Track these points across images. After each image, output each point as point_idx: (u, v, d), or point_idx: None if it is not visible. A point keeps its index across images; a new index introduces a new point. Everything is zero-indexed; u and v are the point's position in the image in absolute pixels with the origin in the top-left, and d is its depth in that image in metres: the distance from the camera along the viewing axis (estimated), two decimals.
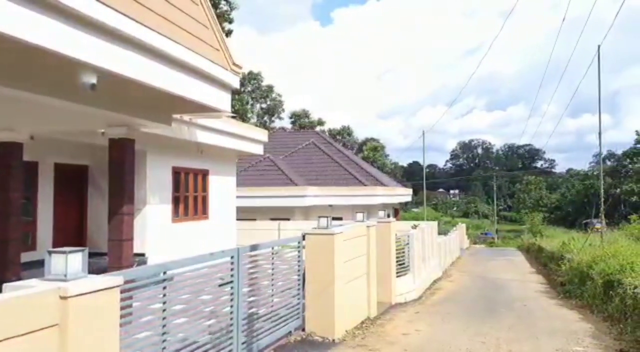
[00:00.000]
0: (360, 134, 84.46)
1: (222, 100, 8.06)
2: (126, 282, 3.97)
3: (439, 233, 22.33)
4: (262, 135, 15.67)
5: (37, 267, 8.52)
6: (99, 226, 11.06)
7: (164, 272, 4.78)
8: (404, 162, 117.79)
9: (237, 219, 15.76)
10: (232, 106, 8.84)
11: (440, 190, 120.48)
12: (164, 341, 4.63)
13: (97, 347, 3.46)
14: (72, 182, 11.16)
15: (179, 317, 5.06)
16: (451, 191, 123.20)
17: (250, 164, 25.14)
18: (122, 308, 3.80)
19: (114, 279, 3.62)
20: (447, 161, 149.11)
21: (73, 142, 10.11)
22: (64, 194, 10.86)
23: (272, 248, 7.23)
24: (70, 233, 10.97)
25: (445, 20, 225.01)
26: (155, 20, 6.02)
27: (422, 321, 9.86)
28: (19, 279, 7.02)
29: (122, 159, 8.04)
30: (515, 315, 10.89)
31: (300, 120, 61.57)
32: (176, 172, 12.20)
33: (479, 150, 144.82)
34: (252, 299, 6.53)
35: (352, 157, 33.09)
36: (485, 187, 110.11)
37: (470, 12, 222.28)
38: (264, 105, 58.05)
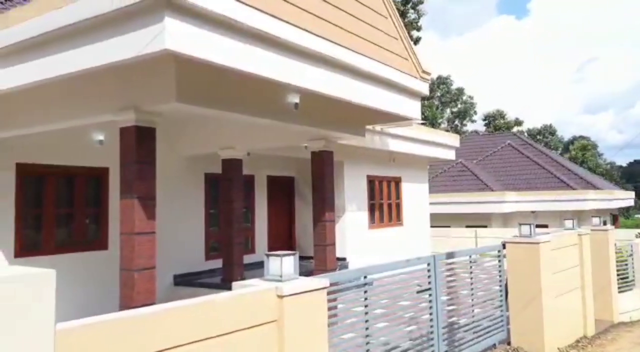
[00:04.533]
0: (564, 133, 76.38)
1: (412, 108, 8.14)
2: (331, 284, 4.25)
3: None
4: (454, 140, 15.31)
5: (255, 268, 9.70)
6: (305, 231, 12.09)
7: (365, 277, 4.98)
8: (622, 161, 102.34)
9: (431, 226, 15.61)
10: (422, 113, 8.84)
11: None
12: (367, 343, 4.82)
13: (309, 344, 3.75)
14: (281, 192, 12.43)
15: (379, 321, 5.22)
16: None
17: (442, 170, 24.71)
18: (328, 309, 4.06)
19: (322, 281, 3.91)
20: None
21: (281, 156, 11.28)
22: (275, 203, 12.16)
23: (470, 256, 6.99)
24: (281, 238, 12.21)
25: None
26: (347, 38, 6.39)
27: None
28: (243, 278, 8.07)
29: (323, 169, 8.67)
30: None
31: (495, 122, 58.32)
32: (370, 181, 12.66)
33: None
34: (451, 307, 6.40)
35: (556, 158, 30.08)
36: None
37: None
38: (454, 109, 56.57)
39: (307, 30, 5.63)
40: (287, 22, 5.34)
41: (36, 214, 8.11)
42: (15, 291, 2.29)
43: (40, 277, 2.39)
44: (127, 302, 5.28)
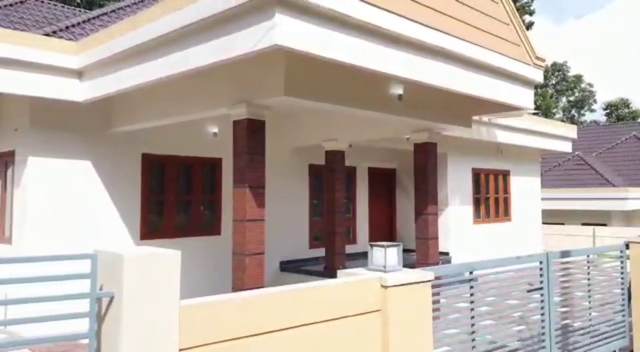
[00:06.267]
0: None
1: (524, 97, 7.70)
2: (435, 278, 4.19)
3: None
4: (570, 131, 14.24)
5: (356, 259, 9.82)
6: (406, 223, 11.99)
7: (471, 272, 4.84)
8: None
9: (543, 223, 14.70)
10: (534, 102, 8.32)
11: None
12: (473, 339, 4.69)
13: (414, 335, 3.74)
14: (382, 183, 12.41)
15: (485, 318, 5.05)
16: None
17: (556, 163, 23.10)
18: (432, 303, 4.01)
19: (427, 273, 3.88)
20: None
21: (382, 148, 11.25)
22: (376, 194, 12.18)
23: (587, 256, 6.50)
24: (382, 230, 12.22)
25: None
26: (456, 26, 6.19)
27: None
28: (345, 268, 8.20)
29: (426, 162, 8.52)
30: None
31: (617, 112, 53.11)
32: (476, 174, 12.20)
33: None
34: (564, 309, 6.01)
35: None
36: None
37: None
38: (570, 98, 52.45)
39: (414, 20, 5.54)
40: (395, 13, 5.30)
41: (158, 200, 8.89)
42: (148, 267, 2.55)
43: (168, 257, 2.63)
44: (238, 284, 5.63)
